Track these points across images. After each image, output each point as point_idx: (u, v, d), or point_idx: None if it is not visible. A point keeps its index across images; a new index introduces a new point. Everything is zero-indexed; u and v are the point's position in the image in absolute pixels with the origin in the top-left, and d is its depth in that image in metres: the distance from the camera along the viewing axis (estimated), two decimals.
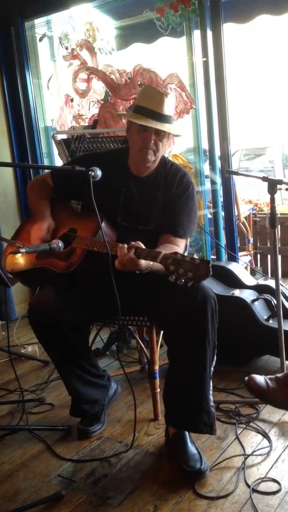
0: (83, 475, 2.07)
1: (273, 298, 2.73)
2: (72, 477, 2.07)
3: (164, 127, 2.10)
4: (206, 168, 3.60)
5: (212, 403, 2.07)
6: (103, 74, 3.58)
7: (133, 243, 1.89)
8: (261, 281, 2.99)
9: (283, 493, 1.89)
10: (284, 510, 1.81)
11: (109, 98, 3.64)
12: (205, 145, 3.57)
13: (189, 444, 2.08)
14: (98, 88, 3.71)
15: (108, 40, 3.73)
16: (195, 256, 1.75)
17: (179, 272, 1.72)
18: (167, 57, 3.67)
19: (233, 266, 3.03)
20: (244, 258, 4.01)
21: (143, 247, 1.88)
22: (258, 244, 4.72)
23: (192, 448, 2.07)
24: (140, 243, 1.90)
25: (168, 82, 3.39)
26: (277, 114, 12.37)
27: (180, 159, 3.72)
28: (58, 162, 3.67)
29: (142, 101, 2.13)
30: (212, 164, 3.50)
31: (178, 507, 1.86)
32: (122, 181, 2.23)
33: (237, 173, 2.46)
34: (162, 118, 2.10)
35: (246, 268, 3.58)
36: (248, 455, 2.12)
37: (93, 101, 3.75)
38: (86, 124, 3.69)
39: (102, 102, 3.66)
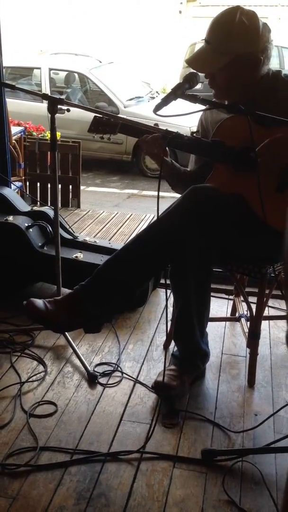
0: None
1: (48, 224, 2.69)
2: None
3: None
4: None
5: None
6: None
7: None
8: (36, 208, 2.91)
9: (59, 413, 1.95)
10: (61, 429, 1.87)
11: None
12: None
13: None
14: None
15: None
16: None
17: None
18: None
19: (5, 191, 2.86)
20: (15, 183, 3.83)
21: None
22: (28, 171, 4.56)
23: None
24: None
25: None
26: (47, 36, 11.91)
27: None
28: None
29: None
30: None
31: None
32: None
33: (13, 87, 2.23)
34: None
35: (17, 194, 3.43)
36: (24, 382, 2.11)
37: None
38: None
39: None
